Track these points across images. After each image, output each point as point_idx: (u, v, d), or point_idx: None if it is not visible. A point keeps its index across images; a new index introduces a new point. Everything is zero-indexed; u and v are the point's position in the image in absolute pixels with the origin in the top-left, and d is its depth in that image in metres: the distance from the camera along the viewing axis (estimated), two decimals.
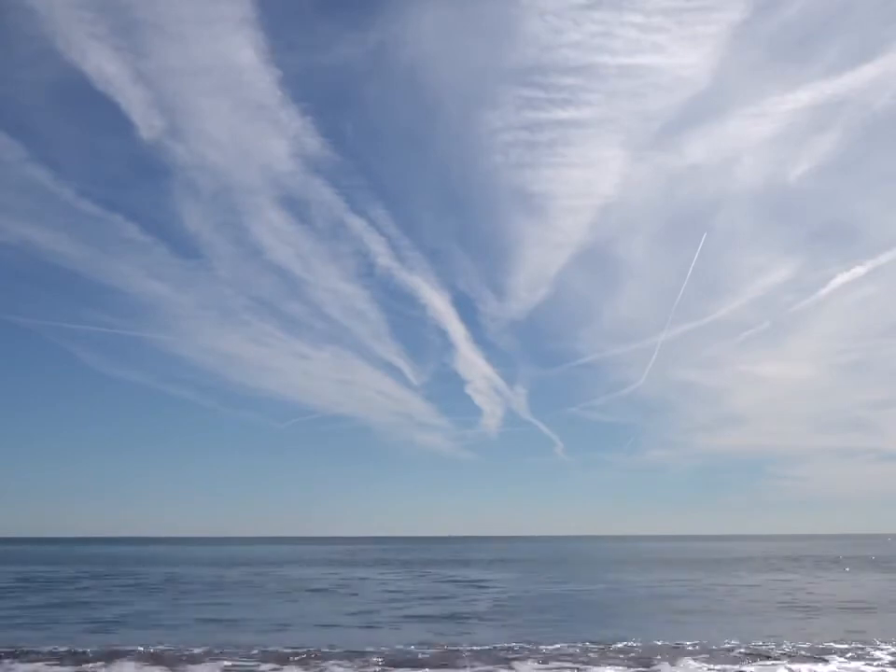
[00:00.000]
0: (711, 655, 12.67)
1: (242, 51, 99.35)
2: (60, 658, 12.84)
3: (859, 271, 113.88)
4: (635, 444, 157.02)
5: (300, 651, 13.14)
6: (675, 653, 12.82)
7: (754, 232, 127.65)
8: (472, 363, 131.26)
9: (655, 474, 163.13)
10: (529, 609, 19.86)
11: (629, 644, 13.61)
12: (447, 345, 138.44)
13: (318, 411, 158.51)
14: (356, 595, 24.24)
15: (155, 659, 12.60)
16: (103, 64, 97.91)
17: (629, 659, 12.48)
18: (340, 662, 12.31)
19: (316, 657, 12.72)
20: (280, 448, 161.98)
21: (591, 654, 12.88)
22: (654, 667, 11.90)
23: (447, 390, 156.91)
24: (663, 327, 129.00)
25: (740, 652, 12.89)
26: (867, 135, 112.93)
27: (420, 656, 12.77)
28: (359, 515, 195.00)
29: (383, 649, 13.31)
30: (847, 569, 36.97)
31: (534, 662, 12.33)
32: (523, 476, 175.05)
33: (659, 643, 13.69)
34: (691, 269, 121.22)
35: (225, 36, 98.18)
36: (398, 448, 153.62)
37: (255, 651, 13.09)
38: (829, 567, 40.10)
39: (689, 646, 13.44)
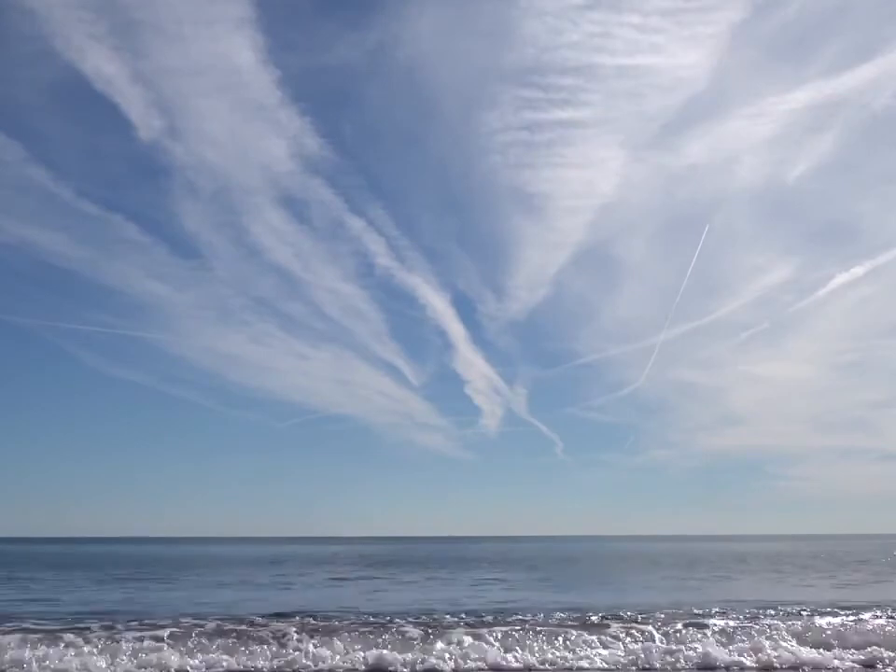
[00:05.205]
0: None
1: (241, 52, 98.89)
2: None
3: (858, 271, 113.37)
4: (635, 444, 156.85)
5: None
6: None
7: (753, 232, 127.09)
8: (472, 363, 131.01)
9: (655, 474, 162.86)
10: None
11: None
12: (447, 345, 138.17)
13: (318, 411, 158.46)
14: None
15: None
16: (101, 64, 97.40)
17: None
18: None
19: None
20: (280, 448, 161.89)
21: None
22: None
23: (447, 390, 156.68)
24: (662, 327, 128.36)
25: None
26: (866, 135, 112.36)
27: None
28: (359, 515, 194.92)
29: None
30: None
31: None
32: (523, 476, 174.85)
33: None
34: (690, 269, 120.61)
35: (224, 37, 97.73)
36: (398, 448, 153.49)
37: None
38: None
39: None
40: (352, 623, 15.66)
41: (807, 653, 13.13)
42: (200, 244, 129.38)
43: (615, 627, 14.82)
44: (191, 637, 14.05)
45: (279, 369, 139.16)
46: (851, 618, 15.99)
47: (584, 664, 12.58)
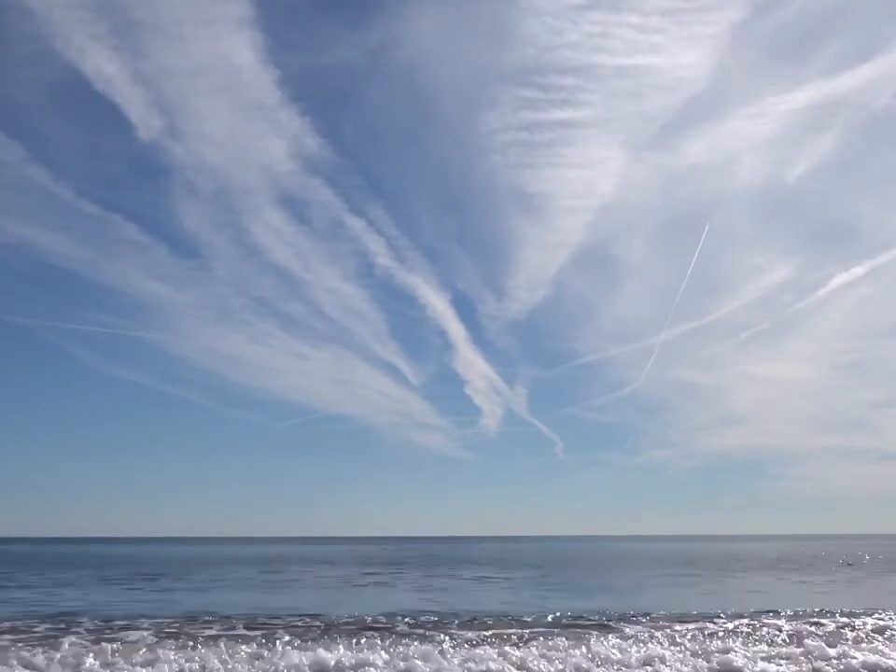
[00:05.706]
0: None
1: (241, 52, 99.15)
2: None
3: (857, 271, 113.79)
4: (635, 444, 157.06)
5: None
6: None
7: (753, 232, 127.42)
8: (472, 363, 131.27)
9: (655, 474, 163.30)
10: None
11: None
12: (446, 345, 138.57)
13: (318, 411, 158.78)
14: None
15: None
16: (101, 65, 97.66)
17: None
18: None
19: None
20: (280, 448, 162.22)
21: None
22: None
23: (447, 390, 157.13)
24: (662, 327, 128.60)
25: None
26: (866, 135, 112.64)
27: None
28: (359, 515, 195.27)
29: None
30: None
31: None
32: (523, 476, 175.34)
33: None
34: (690, 269, 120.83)
35: (224, 37, 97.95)
36: (398, 448, 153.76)
37: None
38: None
39: None
40: (352, 624, 15.65)
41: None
42: (200, 244, 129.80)
43: (613, 629, 14.81)
44: (192, 637, 14.04)
45: (279, 369, 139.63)
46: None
47: (583, 664, 12.55)
